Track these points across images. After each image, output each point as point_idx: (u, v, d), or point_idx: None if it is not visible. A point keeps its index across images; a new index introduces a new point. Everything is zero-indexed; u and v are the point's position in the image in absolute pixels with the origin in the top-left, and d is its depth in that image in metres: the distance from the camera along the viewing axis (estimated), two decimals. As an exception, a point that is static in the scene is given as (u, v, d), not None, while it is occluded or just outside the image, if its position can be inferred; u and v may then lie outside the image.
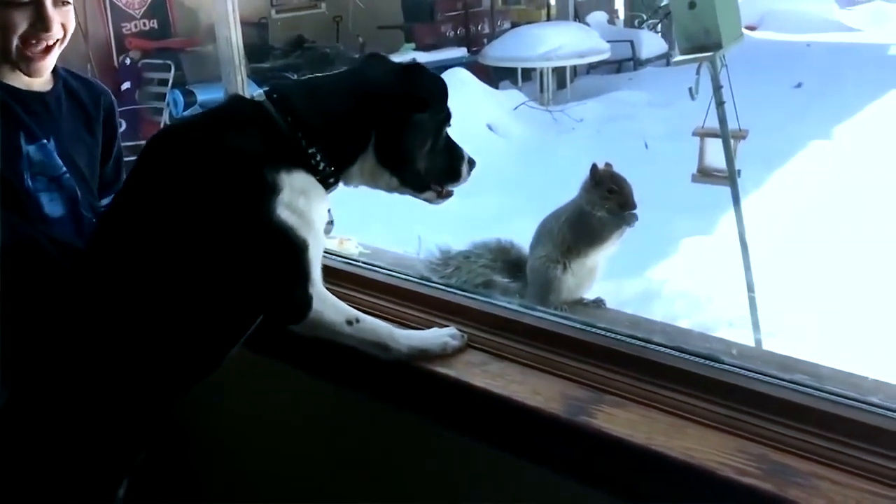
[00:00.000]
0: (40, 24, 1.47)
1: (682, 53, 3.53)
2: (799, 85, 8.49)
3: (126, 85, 7.78)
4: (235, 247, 1.19)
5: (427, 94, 1.28)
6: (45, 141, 1.54)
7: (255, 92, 1.27)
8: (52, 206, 1.54)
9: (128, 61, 7.88)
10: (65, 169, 1.56)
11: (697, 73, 3.49)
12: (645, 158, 6.66)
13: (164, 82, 7.70)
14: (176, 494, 1.88)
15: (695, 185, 4.23)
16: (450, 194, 1.39)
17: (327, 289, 1.33)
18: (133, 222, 1.25)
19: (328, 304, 1.28)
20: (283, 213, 1.19)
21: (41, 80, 1.57)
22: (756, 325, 3.65)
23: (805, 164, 6.51)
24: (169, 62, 7.71)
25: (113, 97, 1.73)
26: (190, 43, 8.04)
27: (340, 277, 1.65)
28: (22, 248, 1.47)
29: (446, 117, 1.33)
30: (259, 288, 1.23)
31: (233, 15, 6.86)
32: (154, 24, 8.18)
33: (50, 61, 1.54)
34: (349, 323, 1.29)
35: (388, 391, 1.43)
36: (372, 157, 1.28)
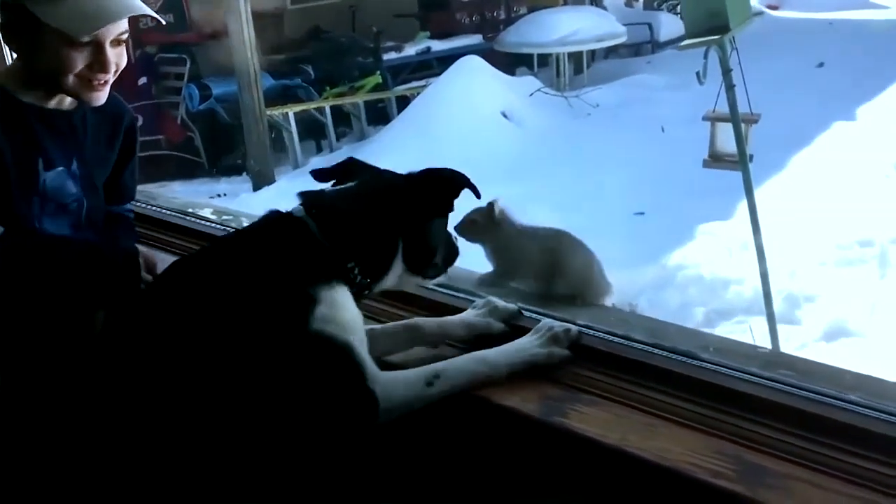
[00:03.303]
0: (97, 66, 1.46)
1: (690, 37, 3.47)
2: (821, 65, 8.33)
3: (143, 80, 7.83)
4: (287, 363, 1.18)
5: (442, 198, 1.32)
6: (62, 168, 1.53)
7: (294, 208, 1.26)
8: (56, 227, 1.55)
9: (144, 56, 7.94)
10: (76, 196, 1.56)
11: (705, 56, 3.42)
12: (661, 143, 6.60)
13: (179, 76, 7.75)
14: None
15: (710, 169, 4.18)
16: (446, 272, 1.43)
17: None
18: (183, 340, 1.21)
19: (396, 383, 1.22)
20: (322, 324, 1.18)
21: (66, 101, 1.56)
22: (770, 313, 3.60)
23: (827, 145, 6.39)
24: (184, 56, 7.75)
25: (134, 116, 1.73)
26: (205, 36, 8.06)
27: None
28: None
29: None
30: (322, 397, 1.19)
31: (244, 7, 6.92)
32: (170, 18, 8.22)
33: (106, 92, 1.52)
34: (430, 384, 1.22)
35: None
36: (401, 263, 1.31)
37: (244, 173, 7.50)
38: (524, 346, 1.30)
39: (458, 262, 1.45)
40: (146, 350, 1.20)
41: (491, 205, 1.61)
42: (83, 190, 1.58)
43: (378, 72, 8.40)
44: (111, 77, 1.50)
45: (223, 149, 7.84)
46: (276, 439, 1.22)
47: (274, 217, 1.29)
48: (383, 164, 1.46)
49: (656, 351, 1.27)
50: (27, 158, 1.49)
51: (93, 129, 1.61)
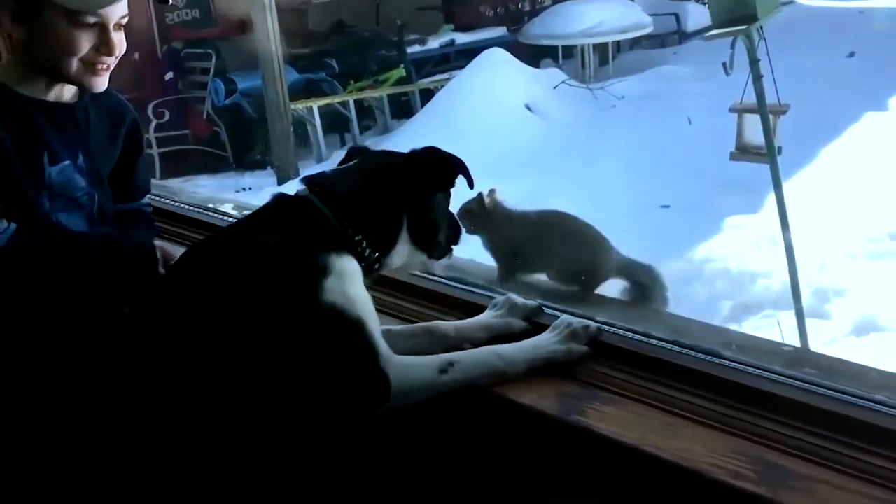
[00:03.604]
0: (104, 48, 1.46)
1: (716, 27, 3.41)
2: (852, 54, 8.16)
3: (169, 75, 7.92)
4: (297, 337, 1.18)
5: (449, 174, 1.33)
6: (69, 161, 1.52)
7: (298, 188, 1.29)
8: (71, 222, 1.54)
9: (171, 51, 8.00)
10: (85, 189, 1.55)
11: (732, 47, 3.36)
12: (688, 134, 6.51)
13: (205, 71, 7.80)
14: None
15: (738, 162, 4.12)
16: (451, 253, 1.44)
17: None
18: (197, 317, 1.22)
19: (410, 366, 1.22)
20: (332, 296, 1.18)
21: (68, 94, 1.56)
22: (799, 307, 3.54)
23: (857, 137, 6.27)
24: (210, 51, 7.80)
25: (135, 113, 1.72)
26: (231, 31, 8.11)
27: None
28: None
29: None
30: (332, 375, 1.19)
31: (269, 2, 6.93)
32: (196, 13, 8.27)
33: (106, 78, 1.52)
34: (443, 371, 1.21)
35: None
36: (406, 237, 1.32)
37: (269, 167, 7.54)
38: (542, 342, 1.29)
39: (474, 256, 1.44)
40: (162, 333, 1.21)
41: (481, 194, 1.63)
42: (91, 184, 1.57)
43: (402, 65, 8.39)
44: (113, 62, 1.50)
45: (248, 143, 7.88)
46: (282, 422, 1.21)
47: (279, 198, 1.31)
48: None
49: (677, 349, 1.25)
50: (32, 152, 1.47)
51: (95, 123, 1.60)
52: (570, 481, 1.19)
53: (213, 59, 7.75)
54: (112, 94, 1.61)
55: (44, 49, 1.45)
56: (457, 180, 1.36)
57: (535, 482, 1.25)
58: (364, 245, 1.26)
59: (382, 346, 1.20)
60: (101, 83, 1.51)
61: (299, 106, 7.53)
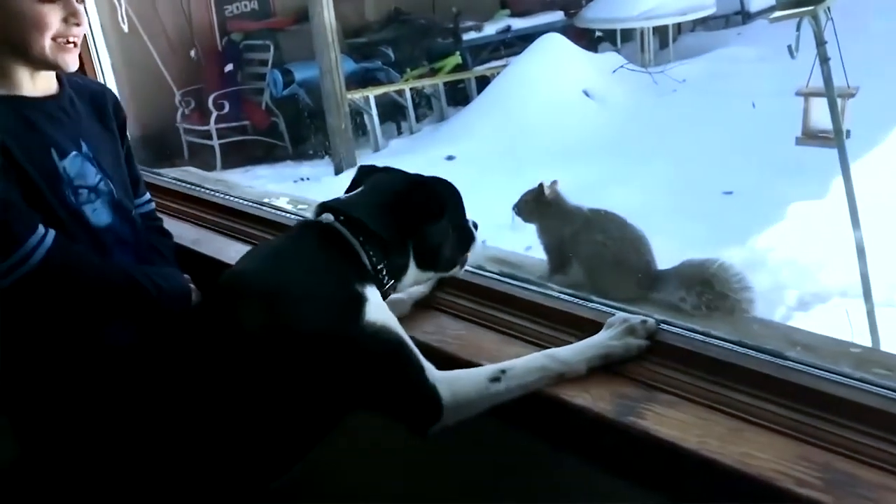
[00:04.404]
0: (73, 17, 1.48)
1: (781, 8, 3.29)
2: (926, 32, 7.81)
3: (229, 67, 8.02)
4: (340, 358, 1.18)
5: (438, 205, 1.35)
6: (75, 152, 1.54)
7: (322, 216, 1.30)
8: (98, 216, 1.56)
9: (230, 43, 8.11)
10: (99, 175, 1.57)
11: (797, 29, 3.24)
12: (751, 118, 6.33)
13: (264, 62, 7.88)
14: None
15: (804, 147, 3.98)
16: (466, 260, 1.48)
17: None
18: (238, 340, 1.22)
19: (458, 378, 1.21)
20: (374, 317, 1.21)
21: (51, 87, 1.57)
22: (868, 295, 3.42)
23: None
24: (268, 42, 7.87)
25: (112, 92, 1.75)
26: (288, 22, 8.17)
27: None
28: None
29: (463, 208, 1.44)
30: (380, 389, 1.20)
31: (324, -9, 6.95)
32: (255, 4, 8.37)
33: (76, 55, 1.54)
34: (495, 379, 1.19)
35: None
36: (413, 264, 1.36)
37: (326, 157, 7.60)
38: (598, 340, 1.26)
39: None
40: (221, 362, 1.20)
41: (542, 184, 1.63)
42: (101, 170, 1.58)
43: (457, 52, 8.36)
44: (81, 36, 1.52)
45: (305, 133, 7.95)
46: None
47: (309, 227, 1.32)
48: (462, 145, 1.49)
49: (740, 349, 1.21)
50: (40, 152, 1.48)
51: (81, 110, 1.61)
52: (626, 486, 1.17)
53: (272, 51, 7.82)
54: (85, 78, 1.64)
55: (15, 33, 1.46)
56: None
57: (589, 486, 1.23)
58: (384, 273, 1.29)
59: (426, 363, 1.20)
60: (74, 60, 1.52)
61: (356, 95, 7.56)
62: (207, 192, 2.19)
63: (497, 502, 1.43)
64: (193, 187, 2.25)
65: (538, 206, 1.65)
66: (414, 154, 6.79)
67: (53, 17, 1.46)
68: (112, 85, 2.48)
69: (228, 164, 7.41)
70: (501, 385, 1.19)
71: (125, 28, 6.42)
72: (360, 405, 1.22)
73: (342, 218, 1.29)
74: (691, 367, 1.21)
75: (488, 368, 1.21)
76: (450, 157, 6.63)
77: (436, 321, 1.47)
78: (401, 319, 1.38)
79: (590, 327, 1.32)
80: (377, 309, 1.22)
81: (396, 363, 1.19)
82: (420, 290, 1.50)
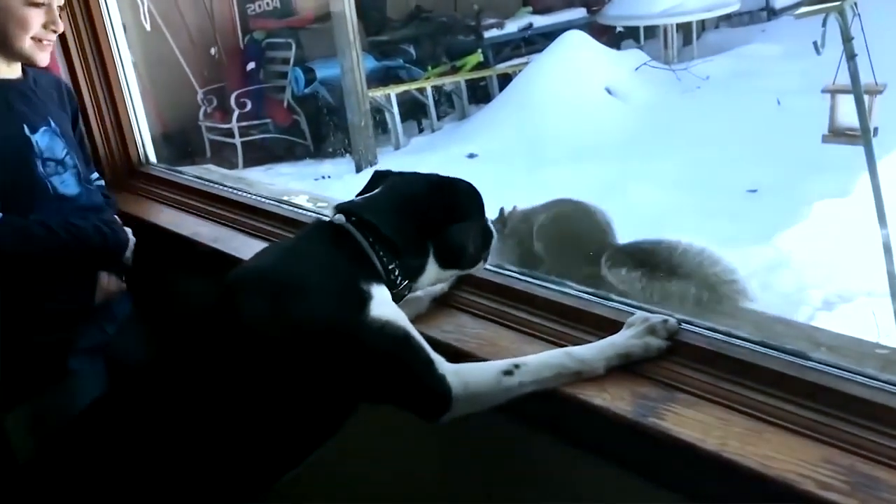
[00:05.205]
0: (52, 25, 1.69)
1: (807, 3, 3.25)
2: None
3: (251, 65, 8.04)
4: (345, 352, 1.20)
5: (463, 206, 1.38)
6: (45, 127, 1.71)
7: (335, 217, 1.32)
8: (66, 186, 1.73)
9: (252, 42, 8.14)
10: (66, 149, 1.74)
11: (823, 24, 3.19)
12: (776, 116, 6.27)
13: (286, 61, 7.89)
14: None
15: (829, 145, 3.92)
16: (489, 255, 1.47)
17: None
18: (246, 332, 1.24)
19: (470, 370, 1.21)
20: (378, 313, 1.22)
21: (18, 72, 1.75)
22: (895, 294, 3.36)
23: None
24: (290, 41, 7.88)
25: (65, 80, 1.94)
26: (310, 20, 8.19)
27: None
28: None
29: (483, 210, 1.44)
30: (388, 382, 1.21)
31: (346, -10, 6.96)
32: (276, 3, 8.39)
33: (49, 52, 1.74)
34: (508, 373, 1.18)
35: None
36: (434, 264, 1.37)
37: (347, 155, 7.61)
38: (618, 339, 1.25)
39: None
40: (230, 352, 1.22)
41: (501, 209, 1.79)
42: (67, 144, 1.76)
43: (479, 50, 8.33)
44: (55, 39, 1.73)
45: (327, 131, 7.96)
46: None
47: (321, 227, 1.35)
48: (484, 142, 1.50)
49: (762, 349, 1.18)
50: (11, 127, 1.66)
51: (43, 93, 1.79)
52: (646, 487, 1.15)
53: (293, 49, 7.84)
54: (40, 68, 1.81)
55: (0, 28, 1.65)
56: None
57: (607, 486, 1.22)
58: (396, 273, 1.29)
59: (434, 354, 1.21)
60: (47, 58, 1.73)
61: (377, 93, 7.56)
62: (227, 189, 2.19)
63: (515, 502, 1.42)
64: (213, 185, 2.25)
65: (504, 226, 1.71)
66: (435, 152, 6.80)
67: (36, 21, 1.67)
68: (133, 83, 2.49)
69: (250, 162, 7.44)
70: (514, 379, 1.18)
71: (147, 26, 6.49)
72: (369, 398, 1.23)
73: (354, 219, 1.31)
74: (712, 367, 1.19)
75: (502, 362, 1.20)
76: (471, 155, 6.62)
77: (455, 320, 1.46)
78: (419, 317, 1.38)
79: (609, 327, 1.30)
80: (382, 305, 1.22)
81: (403, 356, 1.19)
82: (439, 287, 1.50)
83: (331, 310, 1.21)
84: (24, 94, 1.72)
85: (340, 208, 1.33)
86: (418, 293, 1.42)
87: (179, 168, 2.50)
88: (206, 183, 2.28)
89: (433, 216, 1.34)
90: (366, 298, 1.22)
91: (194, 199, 2.22)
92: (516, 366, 1.19)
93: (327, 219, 1.33)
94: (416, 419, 1.19)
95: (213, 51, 7.59)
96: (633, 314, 1.30)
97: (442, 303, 1.51)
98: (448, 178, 1.40)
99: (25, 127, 1.67)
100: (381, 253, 1.28)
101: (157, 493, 1.20)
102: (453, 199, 1.36)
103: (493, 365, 1.21)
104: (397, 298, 1.30)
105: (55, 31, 1.71)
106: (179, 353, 1.29)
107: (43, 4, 1.66)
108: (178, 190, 2.31)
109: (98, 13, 2.36)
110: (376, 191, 1.40)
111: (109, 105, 2.44)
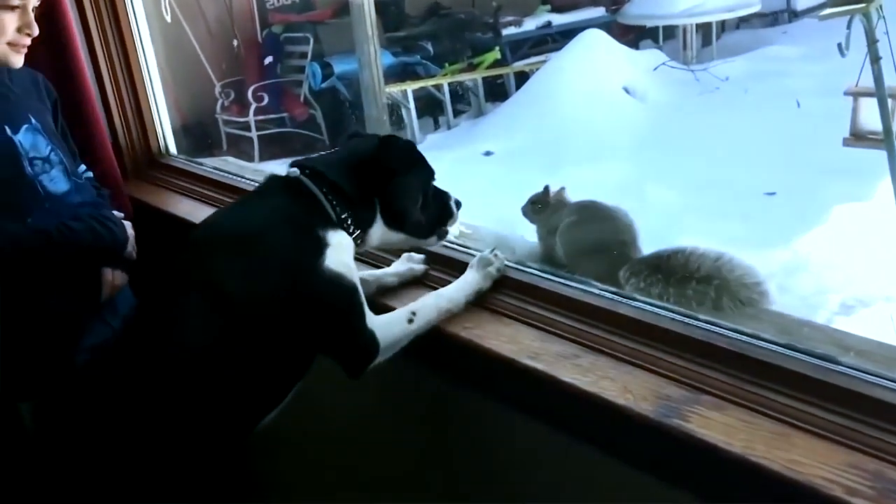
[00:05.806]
0: (26, 28, 1.63)
1: (832, 5, 3.22)
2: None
3: (269, 59, 8.05)
4: (299, 298, 1.31)
5: (399, 161, 1.45)
6: (26, 125, 1.66)
7: (290, 171, 1.42)
8: (56, 184, 1.68)
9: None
10: (50, 146, 1.69)
11: (848, 26, 3.17)
12: (796, 118, 6.21)
13: (303, 55, 7.89)
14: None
15: (851, 148, 3.90)
16: (446, 234, 1.57)
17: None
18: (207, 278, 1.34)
19: (388, 323, 1.39)
20: (333, 265, 1.34)
21: None
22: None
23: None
24: (308, 35, 7.89)
25: (39, 73, 1.85)
26: (328, 14, 8.19)
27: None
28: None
29: (430, 173, 1.51)
30: (331, 335, 1.35)
31: (365, -14, 6.96)
32: (295, -3, 8.40)
33: (23, 55, 1.68)
34: (410, 321, 1.40)
35: (471, 379, 1.42)
36: (380, 220, 1.46)
37: (363, 150, 7.59)
38: (467, 278, 1.49)
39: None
40: (188, 293, 1.32)
41: (546, 188, 1.79)
42: (51, 140, 1.70)
43: (497, 47, 8.30)
44: (29, 42, 1.66)
45: (343, 126, 7.96)
46: (284, 367, 1.35)
47: (275, 180, 1.44)
48: (501, 140, 1.55)
49: (789, 352, 1.17)
50: None
51: (20, 90, 1.74)
52: (669, 490, 1.14)
53: (311, 43, 7.84)
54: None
55: None
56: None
57: (631, 489, 1.20)
58: (349, 222, 1.39)
59: (367, 309, 1.36)
60: (21, 60, 1.67)
61: (394, 89, 7.56)
62: (245, 181, 2.19)
63: (534, 501, 1.41)
64: (232, 176, 2.25)
65: (541, 207, 1.74)
66: (451, 149, 6.78)
67: (10, 25, 1.60)
68: (155, 75, 2.50)
69: (266, 156, 7.45)
70: (415, 325, 1.39)
71: (168, 18, 6.51)
72: (316, 346, 1.35)
73: (308, 171, 1.40)
74: (737, 369, 1.17)
75: (403, 311, 1.41)
76: (487, 153, 6.60)
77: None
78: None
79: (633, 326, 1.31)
80: (338, 252, 1.34)
81: (346, 309, 1.33)
82: (415, 268, 1.61)
83: (290, 255, 1.32)
84: (0, 95, 1.67)
85: (295, 163, 1.43)
86: (365, 276, 1.51)
87: (198, 159, 2.50)
88: (225, 174, 2.28)
89: (375, 169, 1.42)
90: (322, 246, 1.33)
91: (213, 190, 2.23)
92: (413, 313, 1.40)
93: (283, 174, 1.42)
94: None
95: (234, 43, 7.60)
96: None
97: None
98: (390, 135, 1.50)
99: (7, 128, 1.62)
100: (335, 202, 1.38)
101: (141, 446, 1.28)
102: (390, 152, 1.44)
103: (398, 315, 1.40)
104: (356, 247, 1.41)
105: (30, 35, 1.64)
106: (151, 312, 1.39)
107: (17, 7, 1.61)
108: (198, 181, 2.31)
109: (122, 3, 2.36)
110: (334, 149, 1.50)
111: (131, 95, 2.44)
